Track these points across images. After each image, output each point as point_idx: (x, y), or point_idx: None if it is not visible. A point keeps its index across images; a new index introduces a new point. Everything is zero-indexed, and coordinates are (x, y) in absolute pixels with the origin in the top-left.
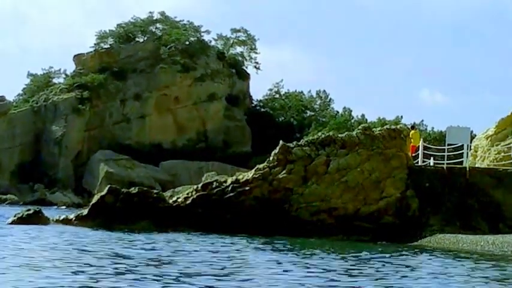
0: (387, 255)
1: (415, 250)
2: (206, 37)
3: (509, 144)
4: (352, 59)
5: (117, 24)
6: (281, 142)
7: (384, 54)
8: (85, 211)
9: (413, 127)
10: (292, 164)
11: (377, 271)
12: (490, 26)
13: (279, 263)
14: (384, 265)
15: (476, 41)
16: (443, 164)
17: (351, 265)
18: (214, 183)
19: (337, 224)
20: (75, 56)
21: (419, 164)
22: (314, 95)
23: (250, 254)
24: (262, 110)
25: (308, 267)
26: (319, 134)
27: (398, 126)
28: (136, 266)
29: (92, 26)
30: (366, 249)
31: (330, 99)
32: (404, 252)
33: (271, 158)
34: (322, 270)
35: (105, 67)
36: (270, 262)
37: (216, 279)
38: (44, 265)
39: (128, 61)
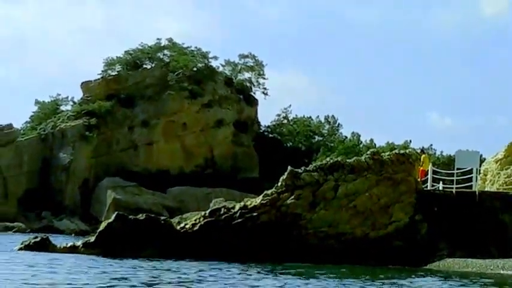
0: (402, 281)
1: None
2: (214, 63)
3: None
4: (360, 84)
5: (125, 51)
6: (289, 168)
7: (392, 78)
8: (92, 238)
9: (422, 151)
10: (300, 189)
11: None
12: (500, 47)
13: None
14: None
15: (486, 63)
16: (452, 188)
17: None
18: (222, 209)
19: (345, 250)
20: (82, 83)
21: (429, 188)
22: (322, 120)
23: None
24: (270, 135)
25: None
26: (328, 159)
27: (407, 151)
28: None
29: (99, 53)
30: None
31: (338, 124)
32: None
33: (279, 184)
34: None
35: (113, 94)
36: None
37: None
38: None
39: (135, 88)
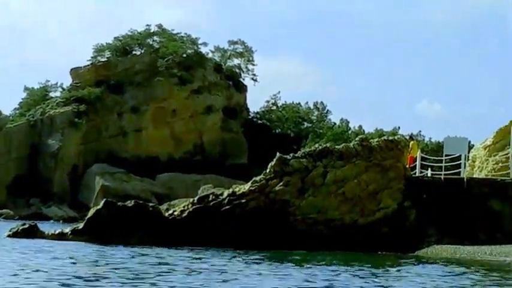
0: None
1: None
2: (203, 49)
3: (507, 154)
4: (349, 70)
5: (114, 37)
6: (278, 154)
7: (381, 64)
8: (80, 225)
9: (411, 138)
10: (289, 176)
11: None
12: (490, 36)
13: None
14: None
15: (476, 52)
16: (441, 174)
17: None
18: (211, 196)
19: (334, 236)
20: (71, 69)
21: (417, 175)
22: (311, 106)
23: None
24: (259, 122)
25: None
26: (316, 145)
27: (395, 137)
28: None
29: (88, 40)
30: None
31: (327, 110)
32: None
33: (267, 170)
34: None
35: (102, 80)
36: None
37: None
38: None
39: (124, 74)
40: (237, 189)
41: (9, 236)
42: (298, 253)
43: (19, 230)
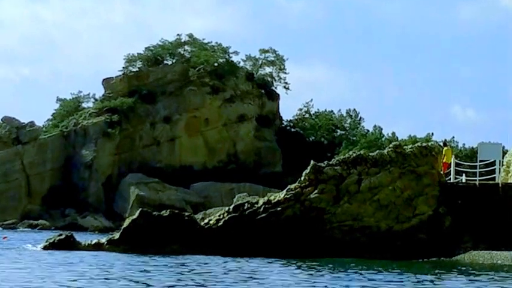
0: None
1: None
2: (235, 58)
3: None
4: (382, 77)
5: (146, 47)
6: (312, 162)
7: (414, 70)
8: (116, 235)
9: (445, 144)
10: (323, 183)
11: None
12: None
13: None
14: None
15: (509, 56)
16: (475, 180)
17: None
18: (246, 204)
19: (370, 243)
20: (104, 79)
21: (451, 180)
22: (344, 113)
23: None
24: (293, 130)
25: None
26: (350, 153)
27: (429, 144)
28: None
29: (120, 50)
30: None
31: (360, 117)
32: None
33: (302, 178)
34: None
35: (134, 90)
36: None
37: None
38: None
39: (156, 84)
40: (272, 198)
41: (45, 247)
42: (348, 260)
43: (55, 241)
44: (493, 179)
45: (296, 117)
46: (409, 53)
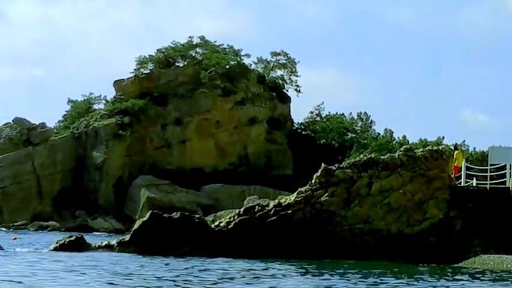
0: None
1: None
2: (246, 61)
3: None
4: (392, 81)
5: (157, 49)
6: (323, 165)
7: (425, 74)
8: (127, 237)
9: (456, 147)
10: (334, 186)
11: None
12: None
13: None
14: None
15: None
16: (486, 184)
17: None
18: (257, 207)
19: (380, 246)
20: (115, 81)
21: (462, 184)
22: (355, 117)
23: None
24: (304, 132)
25: None
26: (361, 156)
27: (440, 147)
28: None
29: (131, 52)
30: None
31: (371, 121)
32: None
33: (313, 181)
34: None
35: (145, 92)
36: None
37: None
38: None
39: (168, 86)
40: (282, 200)
41: (55, 248)
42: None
43: (66, 242)
44: (504, 183)
45: (307, 120)
46: (420, 57)
